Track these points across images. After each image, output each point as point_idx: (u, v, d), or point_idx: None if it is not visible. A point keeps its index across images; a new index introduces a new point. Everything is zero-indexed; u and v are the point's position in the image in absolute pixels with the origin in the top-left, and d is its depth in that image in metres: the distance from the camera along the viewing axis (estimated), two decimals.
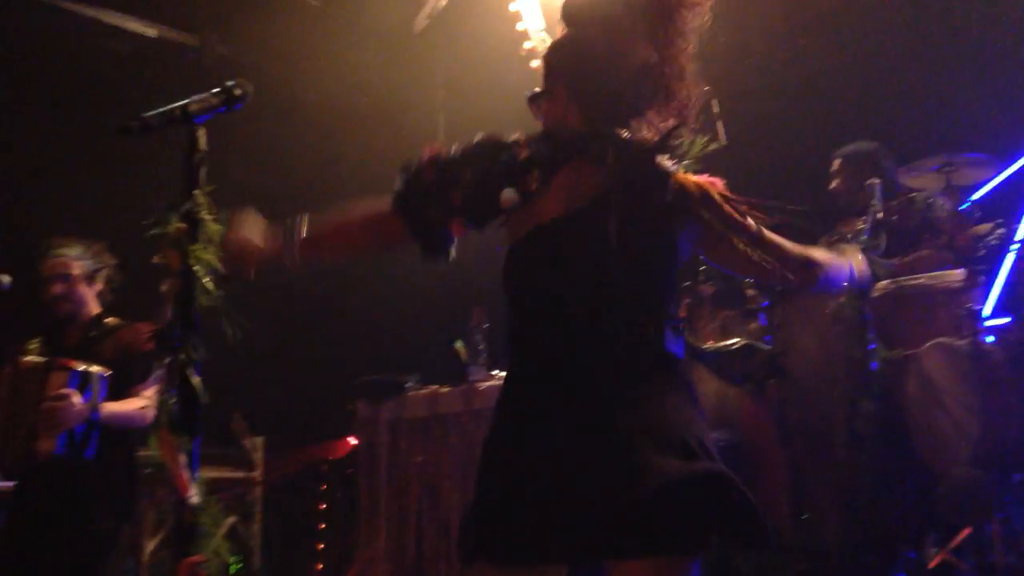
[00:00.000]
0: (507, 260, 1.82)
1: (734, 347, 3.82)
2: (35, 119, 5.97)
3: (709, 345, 3.92)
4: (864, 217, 3.78)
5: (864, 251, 3.42)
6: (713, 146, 1.92)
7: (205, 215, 1.91)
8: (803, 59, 5.93)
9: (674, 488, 1.56)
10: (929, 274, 3.78)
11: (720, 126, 5.34)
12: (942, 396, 3.43)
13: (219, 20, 6.29)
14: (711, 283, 4.30)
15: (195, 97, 1.96)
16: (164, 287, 1.89)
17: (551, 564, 1.69)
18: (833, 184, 4.40)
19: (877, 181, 3.84)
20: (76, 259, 3.47)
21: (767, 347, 3.91)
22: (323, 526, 5.81)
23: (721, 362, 3.82)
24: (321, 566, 5.74)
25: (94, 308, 3.52)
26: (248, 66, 6.10)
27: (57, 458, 3.22)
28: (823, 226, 4.30)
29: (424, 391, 5.07)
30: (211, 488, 1.82)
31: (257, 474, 5.87)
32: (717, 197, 1.83)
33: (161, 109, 1.93)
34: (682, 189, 1.80)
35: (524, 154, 1.77)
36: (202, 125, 1.94)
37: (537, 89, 1.97)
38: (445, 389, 4.95)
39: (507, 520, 1.64)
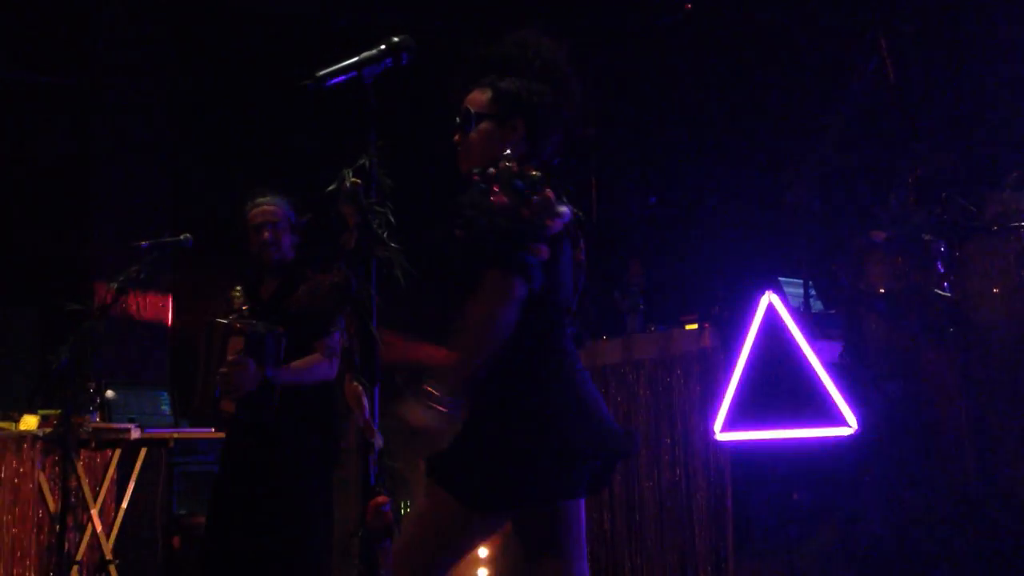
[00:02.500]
0: None
1: (908, 294, 3.64)
2: (218, 84, 6.29)
3: (881, 292, 3.75)
4: None
5: None
6: None
7: (378, 169, 1.96)
8: None
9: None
10: None
11: (888, 65, 5.08)
12: None
13: None
14: (883, 230, 4.11)
15: (364, 54, 2.00)
16: (342, 240, 1.95)
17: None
18: None
19: None
20: (280, 207, 3.57)
21: (946, 293, 3.71)
22: None
23: (895, 309, 3.65)
24: None
25: (291, 257, 3.57)
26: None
27: (238, 419, 3.35)
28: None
29: None
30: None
31: None
32: None
33: (334, 67, 1.98)
34: None
35: (531, 173, 2.08)
36: (372, 81, 1.97)
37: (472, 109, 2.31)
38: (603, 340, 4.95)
39: (578, 464, 2.13)
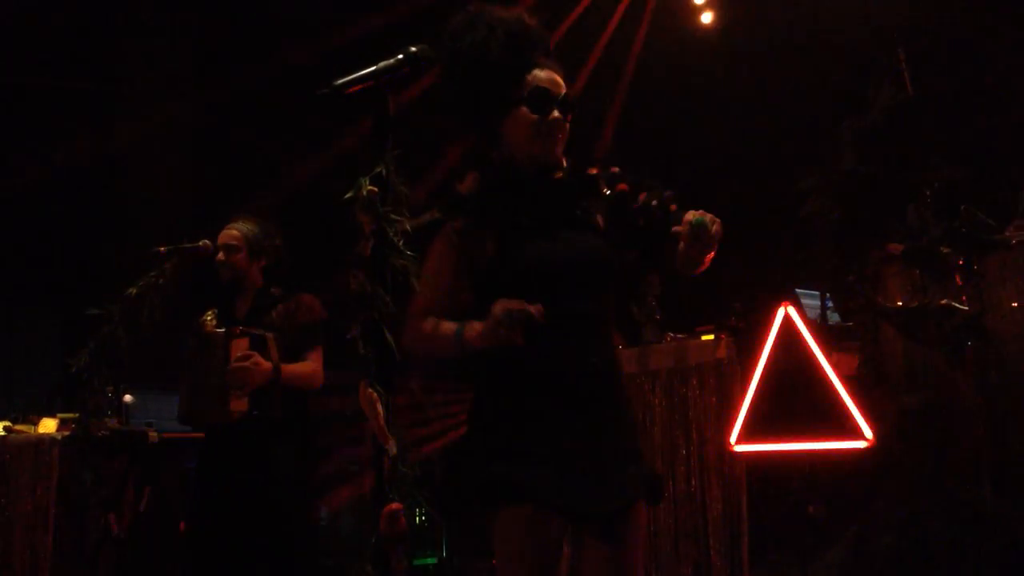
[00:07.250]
0: None
1: (928, 307, 3.62)
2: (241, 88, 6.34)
3: (899, 304, 3.73)
4: None
5: None
6: None
7: (395, 178, 1.97)
8: None
9: None
10: None
11: (907, 78, 5.07)
12: None
13: None
14: (900, 242, 4.09)
15: (382, 63, 2.02)
16: (358, 248, 1.97)
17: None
18: None
19: None
20: (244, 232, 3.68)
21: (963, 307, 3.69)
22: None
23: (913, 322, 3.63)
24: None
25: (258, 280, 3.73)
26: None
27: (249, 417, 3.44)
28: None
29: None
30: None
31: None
32: None
33: (351, 76, 2.00)
34: None
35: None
36: (390, 90, 1.99)
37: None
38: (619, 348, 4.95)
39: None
